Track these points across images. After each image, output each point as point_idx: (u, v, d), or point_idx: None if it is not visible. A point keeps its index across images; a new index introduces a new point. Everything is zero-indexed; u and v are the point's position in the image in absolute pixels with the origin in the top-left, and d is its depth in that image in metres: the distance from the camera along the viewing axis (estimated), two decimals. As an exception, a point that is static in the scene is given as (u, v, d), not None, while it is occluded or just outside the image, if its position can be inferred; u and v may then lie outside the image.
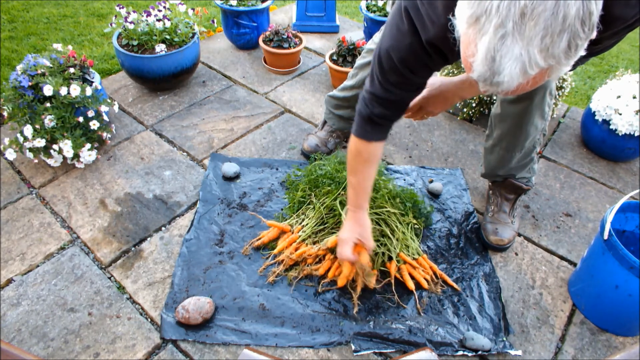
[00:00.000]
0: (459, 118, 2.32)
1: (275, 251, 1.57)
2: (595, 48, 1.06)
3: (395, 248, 1.54)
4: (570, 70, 1.24)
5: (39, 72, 1.80)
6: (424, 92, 1.50)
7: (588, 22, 0.69)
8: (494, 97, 2.14)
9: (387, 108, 1.26)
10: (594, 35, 0.73)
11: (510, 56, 0.70)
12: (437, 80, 1.48)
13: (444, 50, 1.05)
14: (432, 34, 1.02)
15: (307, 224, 1.61)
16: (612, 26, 0.95)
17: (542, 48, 0.69)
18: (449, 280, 1.53)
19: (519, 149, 1.58)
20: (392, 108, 1.26)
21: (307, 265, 1.52)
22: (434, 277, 1.53)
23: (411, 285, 1.49)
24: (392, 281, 1.50)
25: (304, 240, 1.58)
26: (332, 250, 1.52)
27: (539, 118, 1.51)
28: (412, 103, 1.55)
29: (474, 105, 2.22)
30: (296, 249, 1.55)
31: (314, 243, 1.57)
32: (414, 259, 1.55)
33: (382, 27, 1.82)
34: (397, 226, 1.59)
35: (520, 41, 0.69)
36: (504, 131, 1.57)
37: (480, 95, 2.19)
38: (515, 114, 1.51)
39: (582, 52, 0.73)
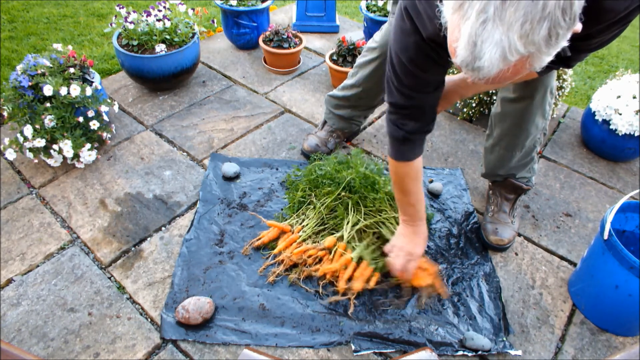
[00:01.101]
0: (459, 118, 2.32)
1: (275, 251, 1.57)
2: (592, 43, 1.06)
3: None
4: (568, 68, 1.24)
5: (39, 72, 1.80)
6: None
7: (569, 11, 0.69)
8: (494, 97, 2.14)
9: (415, 119, 1.23)
10: (578, 26, 0.74)
11: (490, 41, 0.71)
12: None
13: (444, 45, 1.06)
14: (431, 30, 1.02)
15: (307, 225, 1.61)
16: (604, 19, 0.95)
17: (522, 34, 0.69)
18: (438, 286, 1.51)
19: (519, 148, 1.58)
20: (420, 117, 1.24)
21: (307, 266, 1.52)
22: (435, 277, 1.52)
23: (418, 283, 1.48)
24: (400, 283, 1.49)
25: (304, 240, 1.57)
26: (330, 250, 1.52)
27: (540, 117, 1.50)
28: None
29: (474, 105, 2.22)
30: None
31: (314, 243, 1.57)
32: None
33: (383, 27, 1.82)
34: (396, 229, 1.58)
35: (500, 26, 0.70)
36: (504, 130, 1.57)
37: (480, 95, 2.19)
38: (515, 112, 1.50)
39: (565, 43, 0.74)
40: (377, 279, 1.50)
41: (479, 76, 0.77)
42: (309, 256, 1.52)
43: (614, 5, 0.93)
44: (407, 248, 1.43)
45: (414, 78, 1.15)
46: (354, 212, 1.60)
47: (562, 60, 1.18)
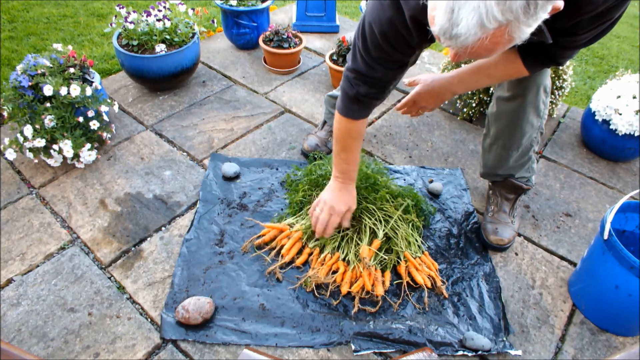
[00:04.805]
0: (459, 118, 2.32)
1: (298, 262, 1.55)
2: (578, 40, 1.08)
3: (401, 248, 1.55)
4: (558, 66, 1.25)
5: (39, 72, 1.80)
6: (417, 88, 1.52)
7: None
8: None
9: (371, 86, 1.26)
10: (559, 3, 0.75)
11: (468, 7, 0.72)
12: (429, 76, 1.50)
13: (422, 20, 1.06)
14: (413, 4, 1.03)
15: (307, 224, 1.60)
16: (584, 10, 0.97)
17: (499, 0, 0.70)
18: (439, 284, 1.51)
19: (515, 147, 1.58)
20: (376, 86, 1.27)
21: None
22: (436, 274, 1.52)
23: (420, 280, 1.49)
24: (405, 283, 1.49)
25: (306, 240, 1.58)
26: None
27: (533, 116, 1.51)
28: (405, 99, 1.57)
29: (474, 105, 2.22)
30: (322, 262, 1.53)
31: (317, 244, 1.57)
32: (416, 256, 1.55)
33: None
34: (399, 225, 1.59)
35: None
36: (500, 129, 1.57)
37: (480, 95, 2.19)
38: (509, 111, 1.51)
39: (545, 15, 0.75)
40: (389, 278, 1.51)
41: (457, 44, 0.78)
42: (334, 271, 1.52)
43: None
44: (331, 202, 1.46)
45: (382, 52, 1.17)
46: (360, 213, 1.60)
47: (551, 58, 1.19)
